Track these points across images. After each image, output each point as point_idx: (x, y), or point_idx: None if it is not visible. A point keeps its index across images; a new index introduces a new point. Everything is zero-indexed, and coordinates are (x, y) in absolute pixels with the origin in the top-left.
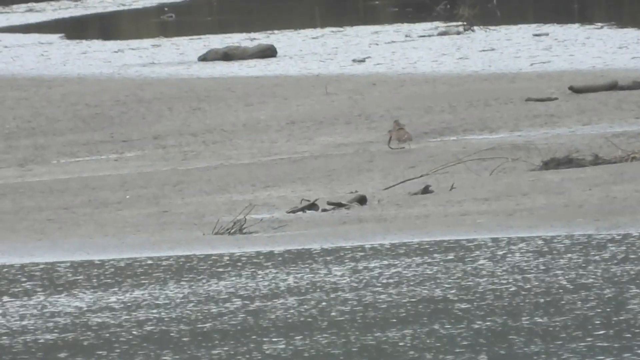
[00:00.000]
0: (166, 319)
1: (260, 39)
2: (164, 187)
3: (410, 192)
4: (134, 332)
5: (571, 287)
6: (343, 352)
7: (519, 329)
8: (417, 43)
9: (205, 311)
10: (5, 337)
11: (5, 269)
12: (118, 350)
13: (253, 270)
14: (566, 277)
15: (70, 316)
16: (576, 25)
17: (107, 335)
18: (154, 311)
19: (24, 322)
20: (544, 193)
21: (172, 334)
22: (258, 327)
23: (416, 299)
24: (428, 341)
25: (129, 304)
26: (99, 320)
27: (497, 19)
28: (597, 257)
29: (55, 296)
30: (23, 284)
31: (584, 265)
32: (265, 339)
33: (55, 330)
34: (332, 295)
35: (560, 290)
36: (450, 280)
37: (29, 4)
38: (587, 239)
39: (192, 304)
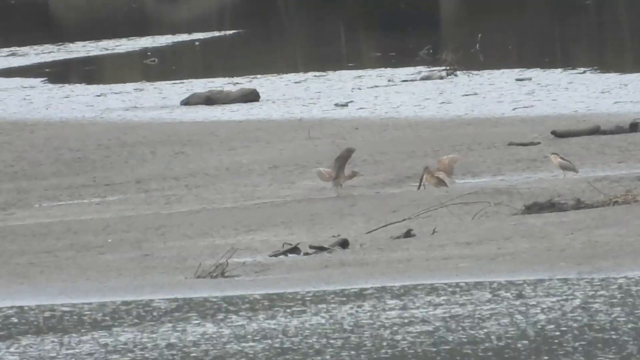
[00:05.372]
0: None
1: (243, 83)
2: (146, 231)
3: (393, 236)
4: None
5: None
6: None
7: None
8: (400, 87)
9: (189, 355)
10: None
11: None
12: None
13: (235, 313)
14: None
15: None
16: (559, 69)
17: None
18: (137, 355)
19: None
20: (526, 237)
21: None
22: None
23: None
24: None
25: (111, 348)
26: None
27: (480, 63)
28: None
29: (32, 339)
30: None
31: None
32: None
33: None
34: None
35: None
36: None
37: (12, 48)
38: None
39: (175, 347)
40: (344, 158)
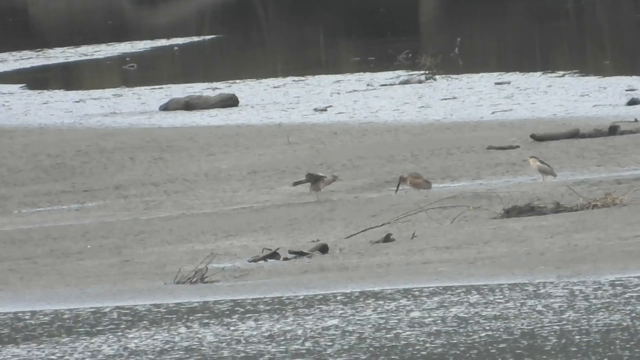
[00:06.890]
0: None
1: (222, 88)
2: (125, 237)
3: (372, 240)
4: None
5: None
6: None
7: None
8: (378, 92)
9: None
10: None
11: None
12: None
13: (214, 319)
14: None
15: None
16: (538, 73)
17: None
18: None
19: None
20: (505, 241)
21: None
22: None
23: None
24: None
25: (90, 355)
26: None
27: (459, 67)
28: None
29: (15, 347)
30: None
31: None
32: None
33: None
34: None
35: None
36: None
37: None
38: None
39: (154, 353)
40: (315, 176)
